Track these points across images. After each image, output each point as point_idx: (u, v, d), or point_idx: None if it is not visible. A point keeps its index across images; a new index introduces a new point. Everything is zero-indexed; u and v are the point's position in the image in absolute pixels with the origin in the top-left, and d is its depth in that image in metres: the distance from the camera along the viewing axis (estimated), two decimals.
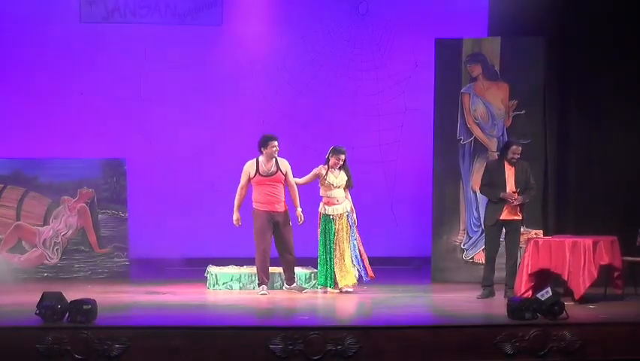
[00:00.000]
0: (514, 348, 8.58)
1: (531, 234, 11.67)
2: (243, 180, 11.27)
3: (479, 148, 12.81)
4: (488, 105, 12.81)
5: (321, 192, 11.44)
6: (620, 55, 12.57)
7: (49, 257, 12.94)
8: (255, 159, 11.29)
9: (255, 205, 11.28)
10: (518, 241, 11.08)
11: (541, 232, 11.72)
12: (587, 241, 10.47)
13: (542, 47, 12.68)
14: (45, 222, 12.96)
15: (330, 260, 11.34)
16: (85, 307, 8.69)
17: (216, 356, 8.40)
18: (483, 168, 11.47)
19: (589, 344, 8.66)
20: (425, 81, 13.65)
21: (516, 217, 10.99)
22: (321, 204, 11.44)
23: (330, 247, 11.34)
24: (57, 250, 12.94)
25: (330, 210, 11.38)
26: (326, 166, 11.39)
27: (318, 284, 11.52)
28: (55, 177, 13.01)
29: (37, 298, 8.87)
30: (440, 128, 12.86)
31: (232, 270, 12.00)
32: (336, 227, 11.36)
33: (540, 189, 12.60)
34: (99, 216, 13.03)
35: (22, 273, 12.75)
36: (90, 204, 13.02)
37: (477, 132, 12.82)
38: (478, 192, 12.51)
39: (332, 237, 11.35)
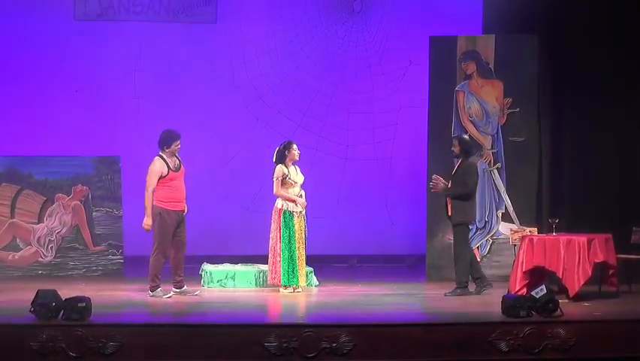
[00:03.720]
0: (508, 346, 8.59)
1: (525, 232, 11.67)
2: (155, 180, 10.76)
3: (474, 146, 12.80)
4: (483, 103, 12.82)
5: (282, 190, 11.31)
6: (614, 52, 12.58)
7: (44, 255, 12.92)
8: (159, 157, 10.83)
9: (164, 205, 10.79)
10: (456, 238, 11.06)
11: (536, 229, 11.72)
12: (581, 239, 10.47)
13: (536, 44, 12.69)
14: (39, 220, 12.95)
15: (294, 257, 11.24)
16: (79, 304, 8.69)
17: (211, 354, 8.40)
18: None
19: (583, 341, 8.66)
20: (419, 79, 13.68)
21: (449, 214, 11.08)
22: (279, 201, 11.31)
23: (293, 244, 11.25)
24: (51, 247, 12.93)
25: (291, 206, 11.29)
26: (284, 164, 11.36)
27: (282, 283, 11.29)
28: (49, 174, 12.99)
29: (31, 295, 8.87)
30: (435, 125, 12.86)
31: (227, 268, 12.01)
32: (295, 225, 11.29)
33: (534, 187, 12.65)
34: (94, 213, 13.02)
35: (15, 270, 12.76)
36: (85, 202, 13.00)
37: (471, 130, 12.82)
38: None
39: (293, 234, 11.28)
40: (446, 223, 12.74)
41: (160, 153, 10.89)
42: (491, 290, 10.95)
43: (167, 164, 10.82)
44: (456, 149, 11.17)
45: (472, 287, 11.08)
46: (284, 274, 11.22)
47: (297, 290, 11.20)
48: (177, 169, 10.91)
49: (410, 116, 14.43)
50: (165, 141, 10.88)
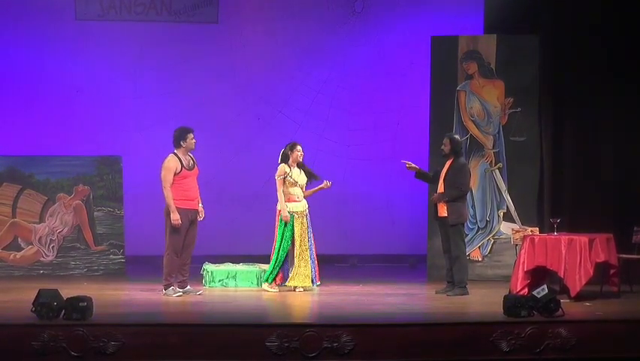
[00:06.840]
0: (510, 345, 8.58)
1: (527, 231, 11.67)
2: (170, 176, 10.68)
3: (475, 146, 12.81)
4: (484, 103, 12.82)
5: (283, 190, 11.30)
6: (616, 52, 12.58)
7: (45, 254, 12.93)
8: (173, 155, 10.83)
9: (176, 203, 10.69)
10: (453, 239, 11.01)
11: (537, 229, 11.72)
12: (583, 239, 10.47)
13: (538, 44, 12.69)
14: (41, 220, 12.95)
15: (283, 258, 11.25)
16: (81, 304, 8.68)
17: (212, 354, 8.39)
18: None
19: (585, 341, 8.66)
20: (421, 79, 13.68)
21: (443, 215, 11.04)
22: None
23: (287, 245, 11.25)
24: (53, 247, 12.94)
25: (291, 206, 11.30)
26: (287, 164, 11.36)
27: (264, 280, 11.39)
28: (51, 174, 13.00)
29: (32, 295, 8.86)
30: (436, 125, 12.86)
31: (228, 267, 12.01)
32: (297, 225, 11.27)
33: (535, 187, 12.65)
34: (95, 213, 13.03)
35: (16, 270, 12.77)
36: (86, 202, 13.01)
37: (473, 130, 12.83)
38: (474, 189, 12.55)
39: (290, 234, 11.26)
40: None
41: (174, 151, 10.86)
42: (494, 290, 10.93)
43: (180, 161, 10.79)
44: (446, 148, 11.12)
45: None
46: (268, 271, 11.33)
47: (299, 290, 11.21)
48: (190, 168, 10.88)
49: (411, 116, 14.44)
50: (180, 137, 10.84)
